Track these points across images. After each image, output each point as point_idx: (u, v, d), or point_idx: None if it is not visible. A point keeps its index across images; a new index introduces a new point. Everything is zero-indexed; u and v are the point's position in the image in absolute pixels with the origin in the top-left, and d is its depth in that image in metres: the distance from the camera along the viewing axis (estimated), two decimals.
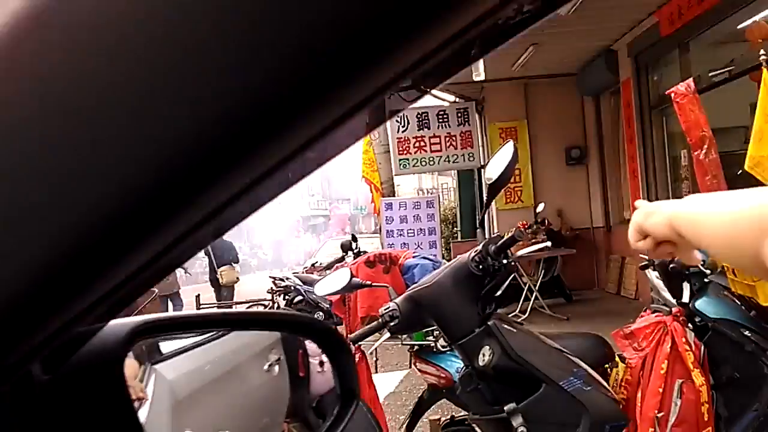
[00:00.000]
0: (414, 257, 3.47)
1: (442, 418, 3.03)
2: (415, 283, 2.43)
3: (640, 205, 0.84)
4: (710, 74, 6.96)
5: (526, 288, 8.59)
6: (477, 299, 2.10)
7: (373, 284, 2.62)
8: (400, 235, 9.03)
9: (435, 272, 2.23)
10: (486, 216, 11.47)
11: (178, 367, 1.14)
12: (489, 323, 2.05)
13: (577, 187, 10.66)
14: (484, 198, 11.49)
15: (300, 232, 30.00)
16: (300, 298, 11.16)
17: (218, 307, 11.04)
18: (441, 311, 2.13)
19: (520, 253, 2.34)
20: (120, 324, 0.52)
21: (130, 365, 1.05)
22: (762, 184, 3.50)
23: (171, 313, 2.15)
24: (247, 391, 1.22)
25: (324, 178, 49.48)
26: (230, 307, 11.78)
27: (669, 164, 8.41)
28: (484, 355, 2.02)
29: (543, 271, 8.87)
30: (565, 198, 10.51)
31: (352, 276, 2.51)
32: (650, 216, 0.80)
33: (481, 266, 2.07)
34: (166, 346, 1.16)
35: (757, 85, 3.64)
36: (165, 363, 1.13)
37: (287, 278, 12.04)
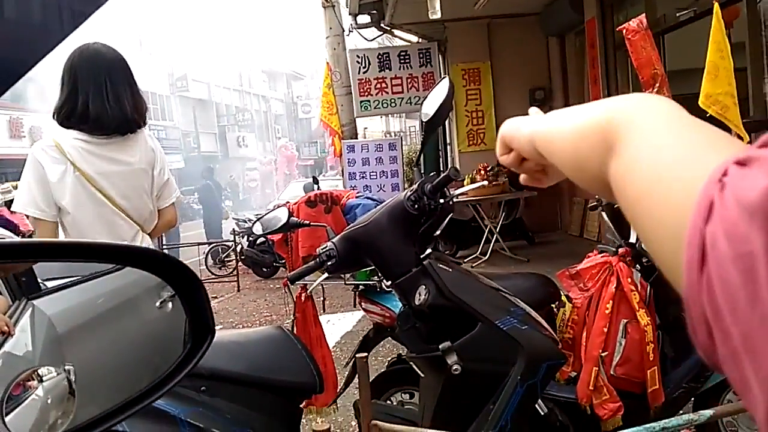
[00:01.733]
0: (357, 197, 3.41)
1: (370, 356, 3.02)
2: None
3: (506, 123, 0.77)
4: (677, 13, 6.89)
5: (487, 230, 8.63)
6: (414, 239, 2.05)
7: (312, 224, 2.55)
8: (363, 177, 8.95)
9: (372, 211, 2.16)
10: (448, 158, 11.46)
11: (60, 302, 1.09)
12: (425, 263, 2.01)
13: None
14: (446, 140, 11.38)
15: (273, 174, 29.75)
16: (262, 239, 11.13)
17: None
18: (378, 251, 2.09)
19: (457, 191, 2.29)
20: None
21: None
22: (719, 123, 3.47)
23: (7, 241, 2.11)
24: (137, 327, 1.17)
25: (291, 121, 48.97)
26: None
27: None
28: (420, 294, 1.99)
29: (504, 214, 8.90)
30: None
31: (290, 215, 2.44)
32: (515, 132, 0.74)
33: (416, 205, 2.01)
34: (49, 282, 1.11)
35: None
36: (45, 298, 1.08)
37: (249, 220, 12.08)
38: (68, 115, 2.41)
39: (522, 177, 0.80)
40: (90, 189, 2.43)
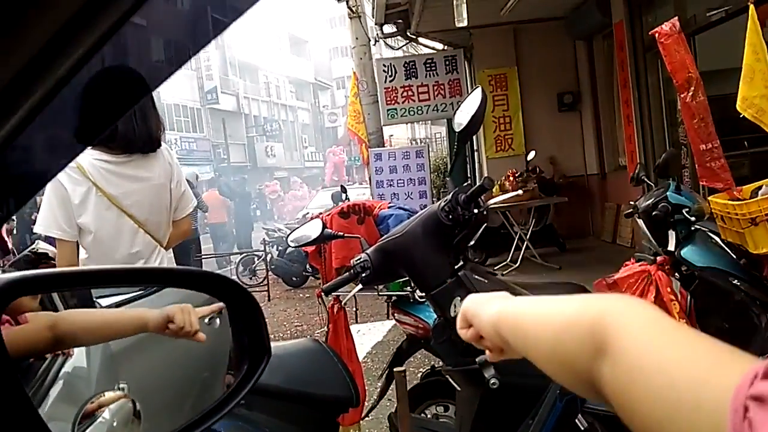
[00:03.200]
0: (389, 207, 3.40)
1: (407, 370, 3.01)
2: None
3: (471, 297, 0.78)
4: (707, 14, 6.76)
5: (517, 237, 8.55)
6: (448, 249, 2.03)
7: (345, 235, 2.55)
8: (390, 185, 8.96)
9: (405, 222, 2.15)
10: (476, 164, 11.41)
11: None
12: (460, 274, 1.99)
13: (570, 134, 10.53)
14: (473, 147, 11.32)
15: (300, 183, 29.67)
16: (291, 249, 11.18)
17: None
18: (412, 262, 2.07)
19: (491, 202, 2.26)
20: None
21: None
22: (754, 125, 3.40)
23: (62, 269, 2.21)
24: (186, 345, 1.19)
25: (317, 131, 49.23)
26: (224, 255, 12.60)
27: (665, 108, 8.25)
28: (455, 305, 1.96)
29: (534, 220, 8.81)
30: (558, 145, 10.40)
31: (324, 227, 2.44)
32: (479, 309, 0.73)
33: (450, 216, 1.99)
34: (104, 301, 1.13)
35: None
36: None
37: (279, 229, 12.17)
38: None
39: (488, 354, 0.79)
40: (112, 208, 2.47)
